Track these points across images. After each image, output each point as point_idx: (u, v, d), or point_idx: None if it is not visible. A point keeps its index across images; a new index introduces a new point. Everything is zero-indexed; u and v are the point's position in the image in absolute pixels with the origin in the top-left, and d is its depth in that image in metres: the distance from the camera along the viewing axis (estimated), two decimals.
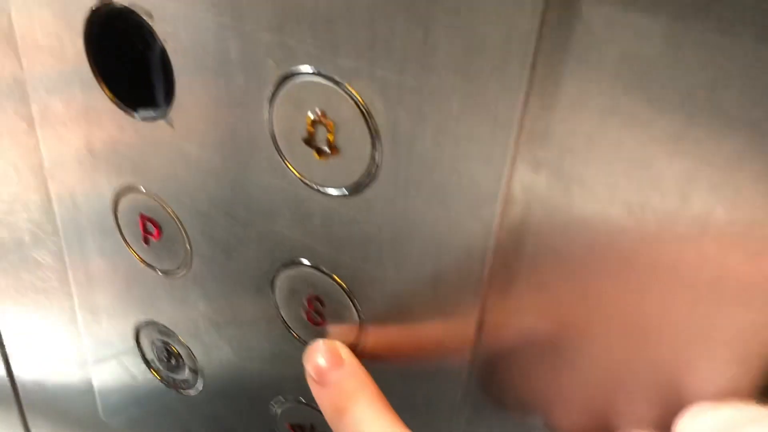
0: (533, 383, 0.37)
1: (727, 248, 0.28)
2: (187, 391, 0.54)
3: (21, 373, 0.70)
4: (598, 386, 0.35)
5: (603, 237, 0.30)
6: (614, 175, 0.28)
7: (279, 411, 0.49)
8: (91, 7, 0.38)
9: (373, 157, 0.33)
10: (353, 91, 0.32)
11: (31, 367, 0.68)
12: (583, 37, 0.26)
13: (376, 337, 0.40)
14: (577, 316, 0.33)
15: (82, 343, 0.59)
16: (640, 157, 0.27)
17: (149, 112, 0.40)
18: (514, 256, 0.32)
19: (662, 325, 0.31)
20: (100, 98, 0.42)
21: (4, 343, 0.68)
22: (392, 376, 0.41)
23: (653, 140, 0.27)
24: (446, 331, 0.37)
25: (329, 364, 0.39)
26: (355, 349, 0.41)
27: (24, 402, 0.73)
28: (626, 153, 0.28)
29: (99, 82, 0.41)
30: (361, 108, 0.32)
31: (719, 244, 0.28)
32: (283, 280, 0.41)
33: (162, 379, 0.56)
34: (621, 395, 0.34)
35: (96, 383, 0.62)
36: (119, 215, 0.47)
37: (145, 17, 0.36)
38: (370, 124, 0.32)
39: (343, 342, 0.41)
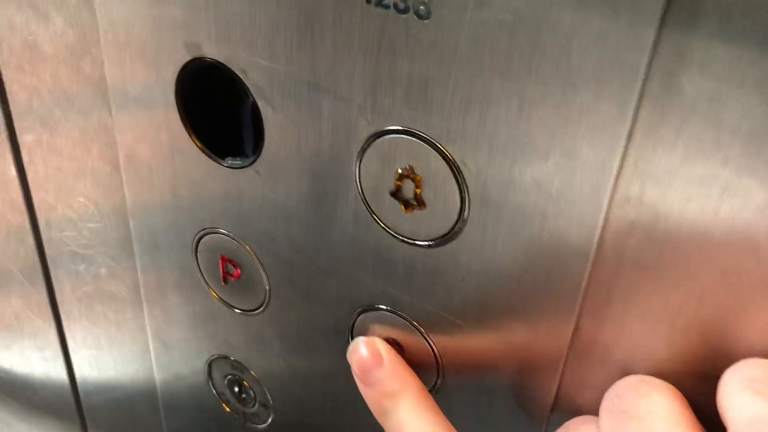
0: None
1: None
2: (256, 425, 0.56)
3: (89, 399, 0.72)
4: None
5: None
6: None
7: None
8: (184, 62, 0.40)
9: (461, 212, 0.34)
10: (444, 149, 0.33)
11: (100, 393, 0.71)
12: (682, 101, 0.27)
13: (455, 381, 0.41)
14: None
15: (153, 374, 0.61)
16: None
17: (237, 161, 0.42)
18: (604, 309, 0.33)
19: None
20: (187, 146, 0.43)
21: (74, 371, 0.71)
22: (470, 418, 0.42)
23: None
24: (527, 380, 0.38)
25: (371, 363, 0.39)
26: (432, 389, 0.42)
27: (90, 427, 0.76)
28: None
29: (188, 132, 0.43)
30: (452, 165, 0.33)
31: None
32: (361, 323, 0.43)
33: (231, 412, 0.57)
34: None
35: (164, 413, 0.63)
36: (199, 255, 0.48)
37: (239, 73, 0.38)
38: (459, 180, 0.33)
39: (423, 384, 0.42)
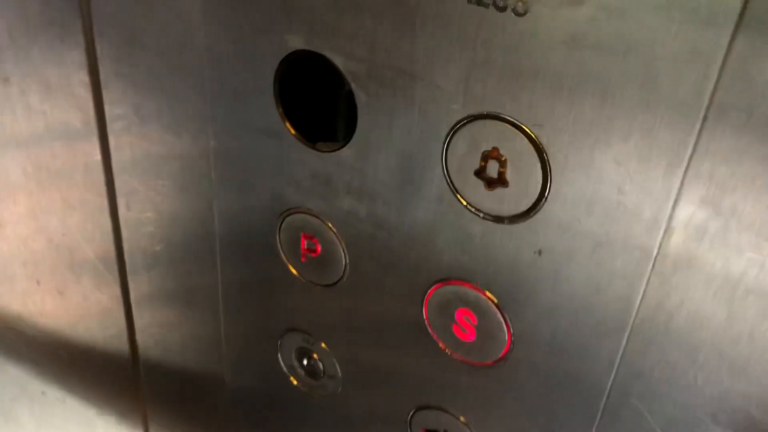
0: None
1: None
2: (322, 395, 0.60)
3: (151, 379, 0.76)
4: None
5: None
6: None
7: (414, 416, 0.53)
8: (285, 54, 0.44)
9: (543, 189, 0.38)
10: (530, 131, 0.37)
11: (163, 372, 0.75)
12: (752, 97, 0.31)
13: (524, 353, 0.44)
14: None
15: (221, 354, 0.65)
16: None
17: (326, 145, 0.46)
18: (671, 277, 0.37)
19: None
20: (279, 131, 0.48)
21: (138, 350, 0.75)
22: (537, 388, 0.45)
23: None
24: (590, 353, 0.41)
25: None
26: (502, 362, 0.45)
27: (146, 392, 0.79)
28: None
29: (282, 119, 0.47)
30: (537, 146, 0.37)
31: None
32: (436, 295, 0.47)
33: (298, 385, 0.61)
34: None
35: (231, 390, 0.67)
36: (282, 234, 0.53)
37: (338, 64, 0.42)
38: (543, 159, 0.37)
39: (490, 355, 0.46)
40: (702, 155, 0.33)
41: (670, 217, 0.35)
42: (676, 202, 0.35)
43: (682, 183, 0.34)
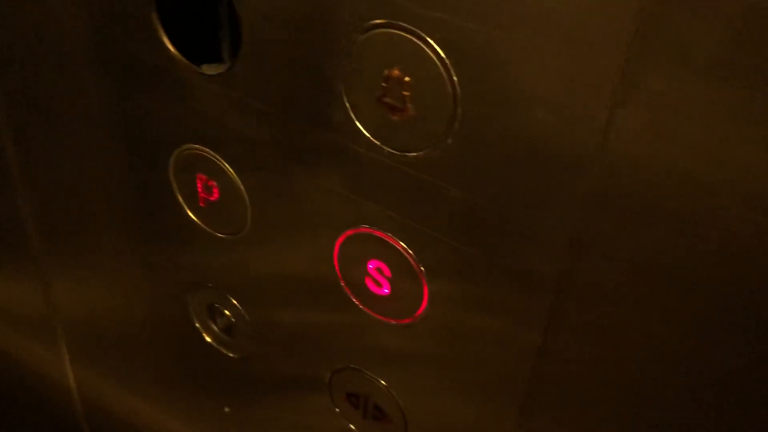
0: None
1: None
2: (239, 355, 0.54)
3: (71, 333, 0.71)
4: None
5: None
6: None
7: (334, 378, 0.48)
8: None
9: (451, 117, 0.32)
10: (433, 45, 0.30)
11: (82, 325, 0.69)
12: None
13: (441, 303, 0.39)
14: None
15: (133, 306, 0.59)
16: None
17: (213, 67, 0.39)
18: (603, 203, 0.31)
19: None
20: (164, 58, 0.40)
21: (53, 303, 0.69)
22: (456, 348, 0.40)
23: None
24: (518, 302, 0.36)
25: None
26: (420, 317, 0.40)
27: (69, 344, 0.74)
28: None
29: (165, 40, 0.40)
30: (442, 63, 0.30)
31: None
32: (346, 244, 0.40)
33: (214, 343, 0.55)
34: None
35: (147, 345, 0.62)
36: (175, 175, 0.46)
37: None
38: (449, 79, 0.31)
39: (406, 309, 0.40)
40: (632, 72, 0.27)
41: (602, 145, 0.29)
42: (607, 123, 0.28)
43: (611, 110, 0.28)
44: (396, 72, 0.32)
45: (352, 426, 0.49)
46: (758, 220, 0.28)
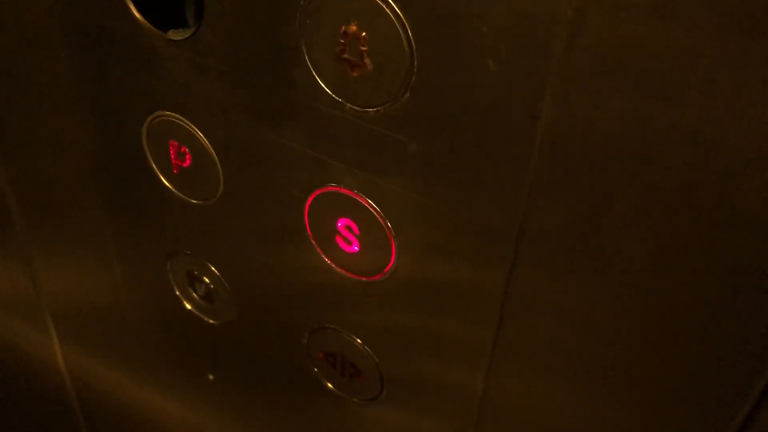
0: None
1: None
2: (220, 322, 0.55)
3: (53, 298, 0.71)
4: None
5: None
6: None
7: (311, 339, 0.49)
8: None
9: (408, 71, 0.32)
10: (391, 2, 0.31)
11: (65, 299, 0.70)
12: None
13: (409, 258, 0.40)
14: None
15: (114, 277, 0.60)
16: None
17: (179, 32, 0.39)
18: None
19: None
20: (131, 22, 0.41)
21: (40, 280, 0.70)
22: (425, 302, 0.41)
23: None
24: (481, 251, 0.37)
25: None
26: (389, 272, 0.41)
27: (57, 326, 0.74)
28: None
29: (129, 5, 0.40)
30: (396, 17, 0.31)
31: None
32: (315, 203, 0.41)
33: (194, 310, 0.56)
34: None
35: (127, 315, 0.63)
36: (149, 140, 0.47)
37: None
38: (404, 33, 0.31)
39: (376, 265, 0.41)
40: (577, 18, 0.27)
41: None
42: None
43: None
44: (353, 28, 0.33)
45: (330, 385, 0.50)
46: (702, 159, 0.29)
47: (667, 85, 0.28)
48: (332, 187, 0.40)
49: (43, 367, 0.81)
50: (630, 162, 0.30)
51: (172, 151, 0.46)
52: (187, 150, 0.45)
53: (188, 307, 0.56)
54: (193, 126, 0.43)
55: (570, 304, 0.36)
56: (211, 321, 0.55)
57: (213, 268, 0.51)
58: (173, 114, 0.44)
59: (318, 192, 0.41)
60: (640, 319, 0.34)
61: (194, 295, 0.55)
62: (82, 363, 0.76)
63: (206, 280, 0.53)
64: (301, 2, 0.34)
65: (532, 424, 0.42)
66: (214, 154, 0.43)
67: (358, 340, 0.46)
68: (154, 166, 0.48)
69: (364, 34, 0.33)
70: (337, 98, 0.36)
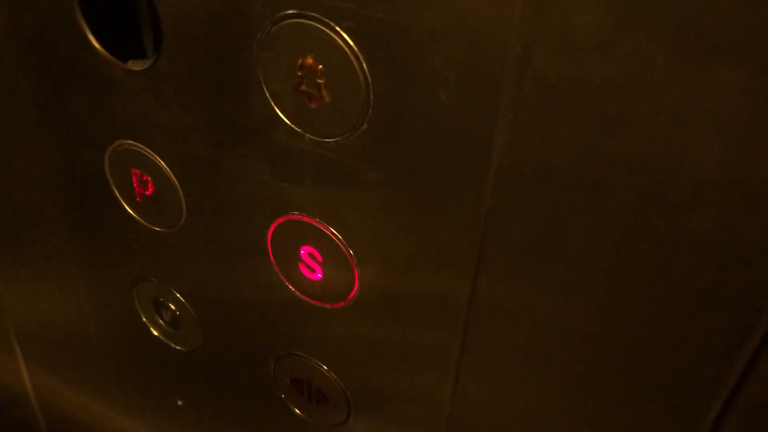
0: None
1: None
2: (187, 348, 0.55)
3: (20, 323, 0.70)
4: None
5: None
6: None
7: (277, 365, 0.49)
8: None
9: (365, 102, 0.33)
10: (342, 33, 0.31)
11: (32, 326, 0.69)
12: None
13: (372, 285, 0.40)
14: None
15: (81, 304, 0.60)
16: None
17: (139, 63, 0.40)
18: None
19: None
20: (91, 53, 0.41)
21: (6, 307, 0.69)
22: (389, 327, 0.41)
23: None
24: (442, 278, 0.37)
25: None
26: (353, 299, 0.41)
27: (24, 351, 0.73)
28: None
29: (89, 36, 0.40)
30: (351, 51, 0.31)
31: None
32: (278, 231, 0.41)
33: (160, 336, 0.56)
34: None
35: (96, 342, 0.62)
36: (112, 171, 0.46)
37: None
38: (360, 67, 0.32)
39: (339, 292, 0.41)
40: (524, 52, 0.28)
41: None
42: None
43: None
44: (309, 60, 0.33)
45: (297, 411, 0.50)
46: (652, 188, 0.29)
47: (615, 116, 0.28)
48: (294, 216, 0.40)
49: (10, 391, 0.79)
50: (582, 190, 0.31)
51: (134, 180, 0.46)
52: (149, 178, 0.45)
53: (155, 333, 0.56)
54: (154, 154, 0.43)
55: (532, 314, 0.36)
56: (178, 347, 0.55)
57: (178, 295, 0.51)
58: (134, 143, 0.43)
59: (280, 220, 0.41)
60: (605, 321, 0.35)
61: (161, 321, 0.55)
62: (51, 389, 0.75)
63: (172, 306, 0.52)
64: (258, 34, 0.34)
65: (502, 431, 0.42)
66: (176, 183, 0.43)
67: (324, 367, 0.46)
68: (117, 194, 0.48)
69: (320, 66, 0.33)
70: (296, 129, 0.36)
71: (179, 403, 0.61)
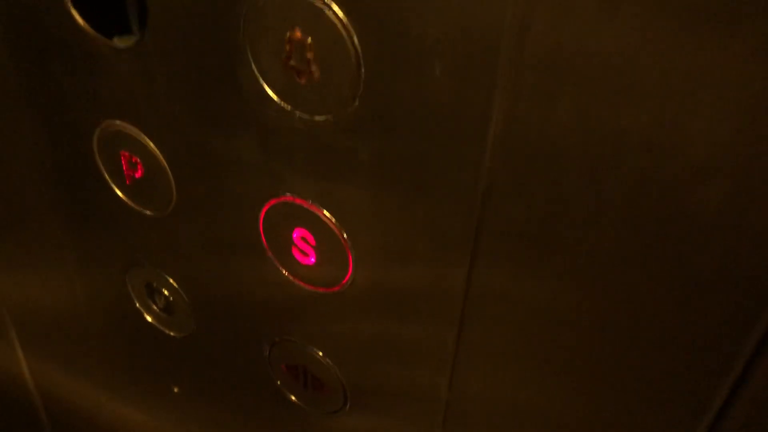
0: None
1: None
2: (180, 333, 0.54)
3: (20, 323, 0.70)
4: None
5: None
6: None
7: (272, 351, 0.48)
8: None
9: (356, 78, 0.31)
10: (333, 5, 0.30)
11: (29, 314, 0.68)
12: None
13: (366, 268, 0.39)
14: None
15: (75, 290, 0.59)
16: None
17: (124, 39, 0.38)
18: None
19: None
20: (76, 30, 0.40)
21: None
22: (385, 312, 0.40)
23: None
24: (439, 257, 0.36)
25: None
26: (347, 284, 0.40)
27: (19, 333, 0.73)
28: None
29: (73, 13, 0.39)
30: (341, 23, 0.30)
31: None
32: (270, 214, 0.40)
33: (154, 322, 0.55)
34: None
35: (89, 328, 0.61)
36: (100, 153, 0.45)
37: None
38: (350, 40, 0.30)
39: (333, 277, 0.40)
40: (524, 20, 0.26)
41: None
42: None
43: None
44: (298, 34, 0.31)
45: (293, 397, 0.49)
46: (658, 168, 0.28)
47: (617, 91, 0.27)
48: (286, 197, 0.39)
49: (8, 376, 0.79)
50: (583, 166, 0.29)
51: (123, 162, 0.44)
52: (138, 160, 0.43)
53: (149, 319, 0.54)
54: (143, 135, 0.42)
55: (531, 300, 0.35)
56: (172, 333, 0.54)
57: (171, 280, 0.50)
58: (123, 123, 0.42)
59: (272, 202, 0.39)
60: (602, 312, 0.33)
61: (154, 307, 0.53)
62: (48, 375, 0.74)
63: (165, 292, 0.51)
64: (245, 6, 0.32)
65: (499, 423, 0.41)
66: (166, 164, 0.42)
67: (320, 353, 0.45)
68: (107, 176, 0.46)
69: (309, 40, 0.31)
70: (285, 106, 0.35)
71: (175, 390, 0.60)
